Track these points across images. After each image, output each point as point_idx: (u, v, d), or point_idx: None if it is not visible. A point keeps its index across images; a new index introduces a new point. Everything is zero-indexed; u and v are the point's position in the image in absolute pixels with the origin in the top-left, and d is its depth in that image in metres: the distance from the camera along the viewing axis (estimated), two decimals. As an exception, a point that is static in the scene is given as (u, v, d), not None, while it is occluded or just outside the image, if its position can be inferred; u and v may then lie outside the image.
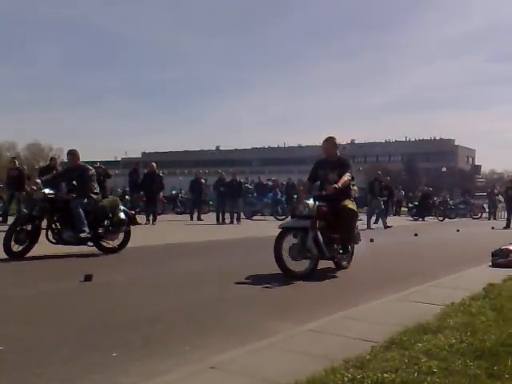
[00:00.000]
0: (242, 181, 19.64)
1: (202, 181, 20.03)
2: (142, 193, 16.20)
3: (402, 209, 29.18)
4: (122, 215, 8.42)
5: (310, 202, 6.22)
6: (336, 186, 6.26)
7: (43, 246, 7.73)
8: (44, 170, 13.72)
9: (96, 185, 8.57)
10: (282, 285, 5.57)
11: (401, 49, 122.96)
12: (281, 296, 5.14)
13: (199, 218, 18.71)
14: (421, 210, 24.28)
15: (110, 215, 8.28)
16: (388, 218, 20.64)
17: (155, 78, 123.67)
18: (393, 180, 27.55)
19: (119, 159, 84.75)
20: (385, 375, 2.58)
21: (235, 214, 18.09)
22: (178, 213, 23.13)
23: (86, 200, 8.14)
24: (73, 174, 8.35)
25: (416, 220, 23.38)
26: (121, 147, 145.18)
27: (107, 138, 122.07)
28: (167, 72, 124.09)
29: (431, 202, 25.31)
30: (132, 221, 8.68)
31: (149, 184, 15.88)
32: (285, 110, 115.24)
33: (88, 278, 5.56)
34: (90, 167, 8.65)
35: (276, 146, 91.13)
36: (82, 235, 7.92)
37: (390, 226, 16.52)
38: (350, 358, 2.85)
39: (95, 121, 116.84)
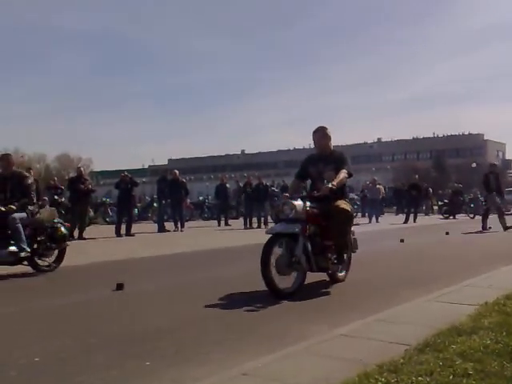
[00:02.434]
0: (267, 184, 19.66)
1: (227, 185, 20.11)
2: (168, 200, 16.37)
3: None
4: (64, 229, 7.49)
5: (298, 202, 5.35)
6: (331, 185, 5.37)
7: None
8: (73, 180, 14.01)
9: (35, 194, 7.51)
10: (310, 290, 5.53)
11: (425, 43, 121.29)
12: (310, 301, 5.10)
13: (226, 223, 18.79)
14: (451, 208, 23.85)
15: (49, 230, 7.33)
16: (419, 216, 20.42)
17: (179, 82, 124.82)
18: (421, 178, 27.14)
19: (146, 167, 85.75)
20: (419, 379, 2.55)
21: (262, 218, 18.10)
22: (205, 219, 23.29)
23: (24, 213, 7.10)
24: (9, 183, 7.23)
25: (447, 218, 23.00)
26: (147, 155, 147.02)
27: (134, 146, 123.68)
28: (190, 76, 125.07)
29: (462, 199, 24.87)
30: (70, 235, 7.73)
31: (173, 191, 16.05)
32: (309, 110, 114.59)
33: (120, 286, 5.65)
34: (28, 174, 7.63)
35: (301, 147, 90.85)
36: (22, 254, 6.93)
37: (510, 227, 13.85)
38: (384, 362, 2.82)
39: (121, 129, 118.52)
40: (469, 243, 11.32)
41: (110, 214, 19.37)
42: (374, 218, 20.19)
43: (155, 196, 19.75)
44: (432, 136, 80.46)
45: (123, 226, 14.07)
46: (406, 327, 3.73)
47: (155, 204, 19.88)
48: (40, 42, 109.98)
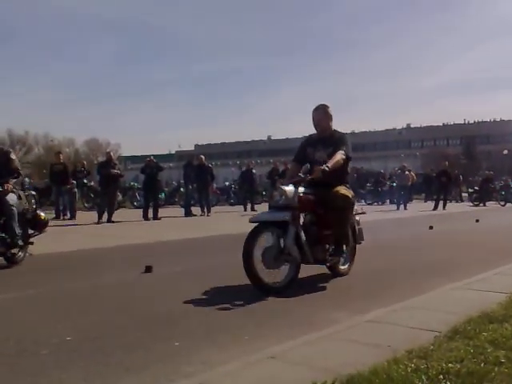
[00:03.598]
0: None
1: (254, 171, 20.11)
2: (195, 185, 16.47)
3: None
4: (44, 214, 6.91)
5: (288, 188, 4.85)
6: (325, 167, 4.82)
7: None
8: (103, 164, 14.20)
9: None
10: (336, 276, 5.50)
11: (456, 29, 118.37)
12: (337, 287, 5.10)
13: (253, 209, 18.80)
14: (481, 195, 23.43)
15: (28, 215, 6.60)
16: (448, 204, 20.11)
17: (205, 70, 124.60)
18: (451, 164, 26.68)
19: (173, 152, 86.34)
20: (449, 365, 2.52)
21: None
22: (231, 204, 23.37)
23: (14, 195, 6.34)
24: None
25: (477, 205, 22.61)
26: (174, 140, 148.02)
27: (161, 131, 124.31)
28: (218, 64, 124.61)
29: (492, 187, 24.39)
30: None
31: (199, 176, 16.14)
32: (337, 97, 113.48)
33: (148, 269, 5.73)
34: (11, 149, 6.86)
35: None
36: (20, 242, 6.26)
37: None
38: (413, 348, 2.79)
39: (148, 116, 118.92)
40: (498, 231, 11.09)
41: (138, 198, 19.55)
42: (402, 205, 19.96)
43: (182, 181, 19.86)
44: (462, 122, 78.87)
45: (150, 210, 14.22)
46: (434, 314, 3.68)
47: (182, 189, 20.00)
48: (67, 29, 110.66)
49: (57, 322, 3.78)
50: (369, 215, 14.75)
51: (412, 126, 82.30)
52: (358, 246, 5.75)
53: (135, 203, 19.68)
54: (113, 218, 13.04)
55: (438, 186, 20.09)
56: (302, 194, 4.89)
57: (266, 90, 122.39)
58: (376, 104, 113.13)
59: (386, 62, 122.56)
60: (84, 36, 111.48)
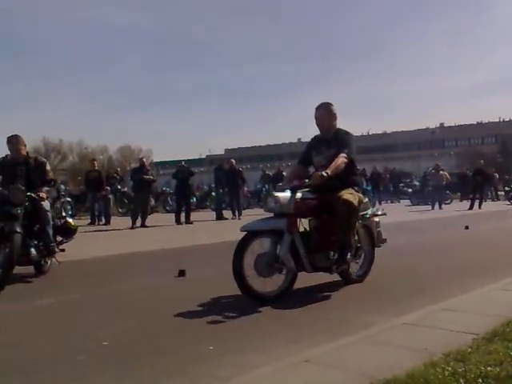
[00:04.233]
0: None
1: (284, 173, 20.08)
2: (226, 189, 16.55)
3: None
4: (72, 220, 6.86)
5: (283, 194, 4.61)
6: (324, 173, 4.54)
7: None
8: (136, 170, 14.41)
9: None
10: (371, 278, 5.42)
11: (490, 26, 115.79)
12: (372, 289, 5.03)
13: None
14: (518, 194, 22.80)
15: (58, 222, 6.54)
16: (484, 203, 19.66)
17: (235, 75, 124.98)
18: (487, 163, 26.07)
19: (204, 157, 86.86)
20: (488, 369, 2.46)
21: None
22: (262, 207, 23.37)
23: (48, 203, 6.33)
24: (23, 169, 6.21)
25: (513, 204, 22.01)
26: (205, 145, 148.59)
27: (191, 136, 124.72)
28: (246, 68, 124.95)
29: (529, 185, 23.72)
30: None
31: (230, 180, 16.21)
32: (369, 98, 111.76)
33: (182, 273, 5.78)
34: (44, 159, 6.74)
35: (360, 134, 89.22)
36: (57, 250, 6.28)
37: None
38: (450, 351, 2.74)
39: (179, 121, 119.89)
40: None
41: (170, 202, 19.76)
42: (437, 205, 19.59)
43: (213, 185, 19.98)
44: (497, 121, 77.00)
45: (182, 215, 14.35)
46: (472, 316, 3.61)
47: (213, 193, 20.11)
48: (99, 39, 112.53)
49: (92, 327, 3.85)
50: (404, 216, 14.58)
51: (445, 125, 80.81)
52: (384, 248, 5.62)
53: (167, 208, 19.89)
54: (146, 223, 13.22)
55: (474, 185, 19.69)
56: (300, 200, 4.64)
57: (296, 94, 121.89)
58: (409, 104, 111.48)
59: (418, 61, 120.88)
60: (111, 45, 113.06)
